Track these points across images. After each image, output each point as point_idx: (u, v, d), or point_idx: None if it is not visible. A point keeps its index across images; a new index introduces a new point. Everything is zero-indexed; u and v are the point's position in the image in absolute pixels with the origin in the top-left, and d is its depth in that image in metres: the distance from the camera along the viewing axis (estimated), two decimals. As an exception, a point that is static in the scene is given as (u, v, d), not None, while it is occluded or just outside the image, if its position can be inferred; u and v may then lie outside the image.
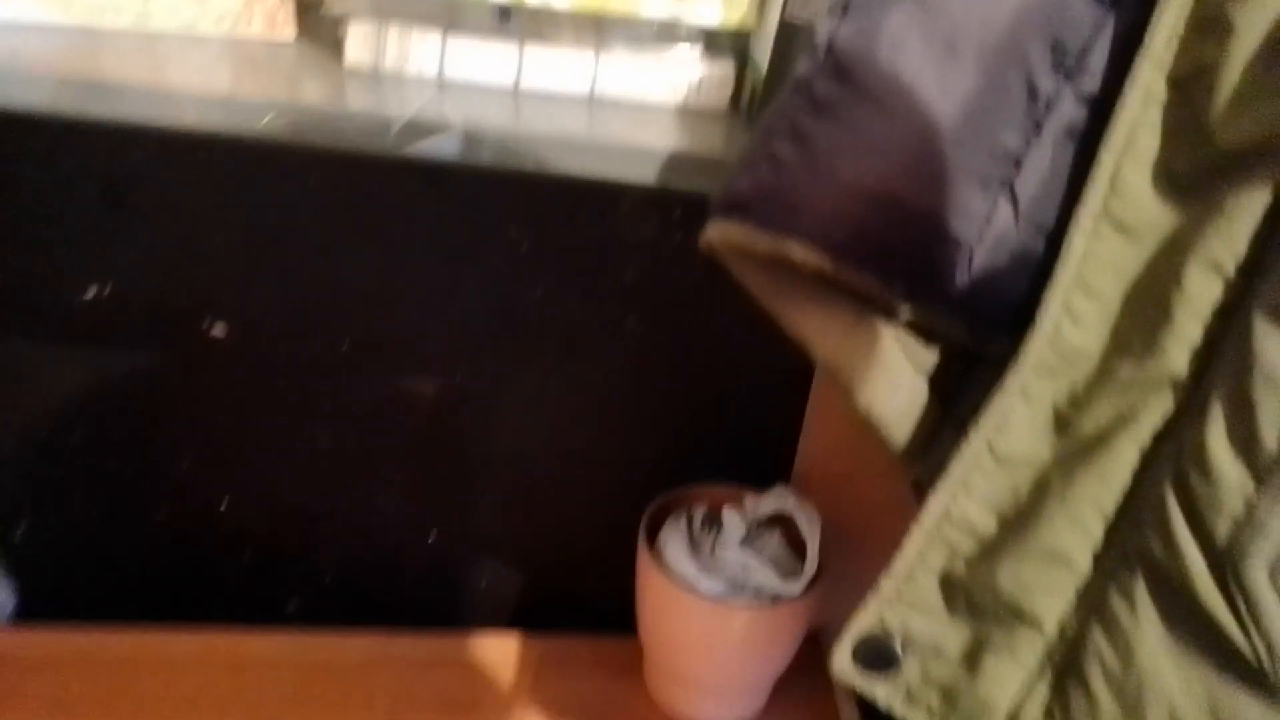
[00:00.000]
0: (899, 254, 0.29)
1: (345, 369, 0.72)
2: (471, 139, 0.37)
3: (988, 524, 0.31)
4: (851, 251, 0.29)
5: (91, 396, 0.72)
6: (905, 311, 0.31)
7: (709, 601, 0.66)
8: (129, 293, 0.68)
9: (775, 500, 0.72)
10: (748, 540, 0.71)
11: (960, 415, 0.33)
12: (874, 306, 0.32)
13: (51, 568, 0.78)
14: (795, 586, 0.68)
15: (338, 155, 0.63)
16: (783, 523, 0.73)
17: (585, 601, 0.84)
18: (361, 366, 0.72)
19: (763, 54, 0.39)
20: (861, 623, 0.34)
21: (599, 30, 0.40)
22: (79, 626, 0.74)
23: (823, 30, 0.29)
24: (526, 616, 0.85)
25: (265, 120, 0.36)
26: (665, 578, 0.67)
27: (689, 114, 0.41)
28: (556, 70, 0.40)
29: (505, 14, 0.39)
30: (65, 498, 0.76)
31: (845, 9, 0.29)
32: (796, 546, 0.72)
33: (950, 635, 0.32)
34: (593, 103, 0.40)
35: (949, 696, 0.32)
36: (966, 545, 0.31)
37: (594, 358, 0.73)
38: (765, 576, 0.68)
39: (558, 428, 0.76)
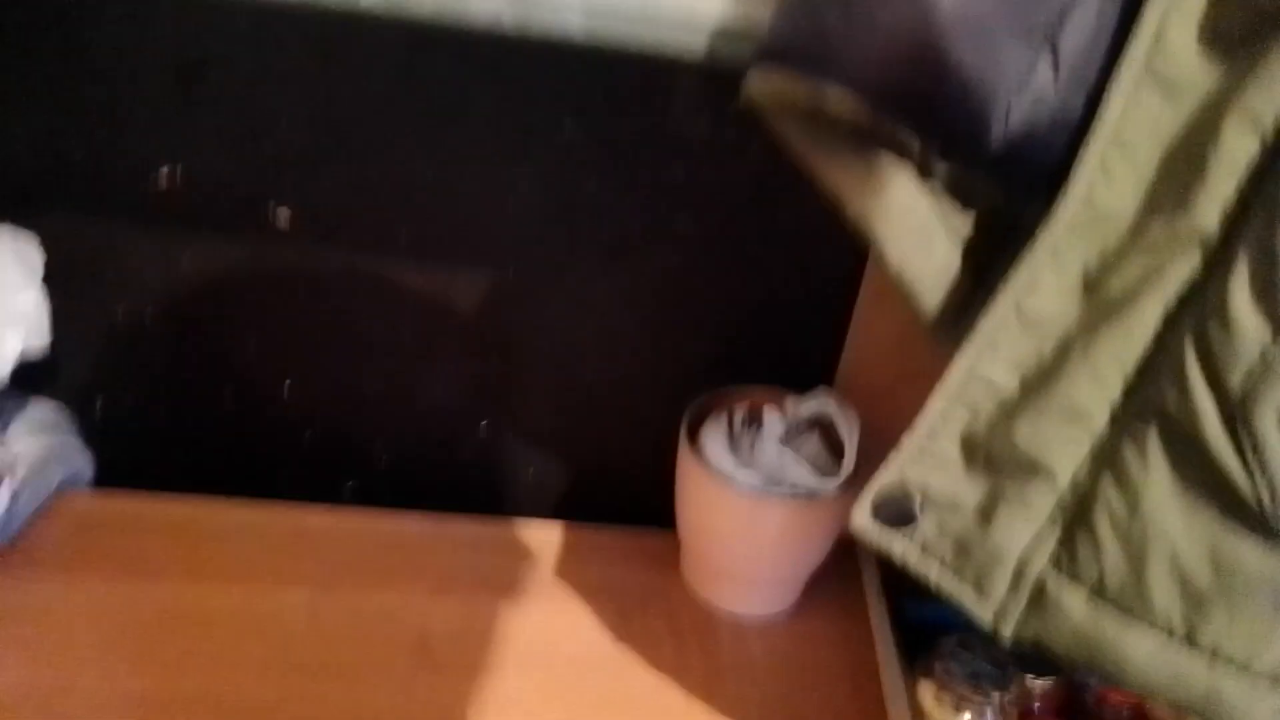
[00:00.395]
0: (936, 106, 0.29)
1: (402, 259, 0.75)
2: (529, 6, 0.38)
3: (1010, 383, 0.32)
4: (888, 100, 0.30)
5: (163, 278, 0.76)
6: (941, 170, 0.31)
7: (745, 494, 0.68)
8: (199, 177, 0.71)
9: (816, 402, 0.73)
10: (786, 439, 0.72)
11: (991, 281, 0.34)
12: (910, 164, 0.32)
13: (126, 441, 0.83)
14: (831, 484, 0.69)
15: (404, 33, 0.64)
16: (822, 426, 0.74)
17: (626, 496, 0.87)
18: (418, 257, 0.74)
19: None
20: (883, 480, 0.35)
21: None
22: (151, 494, 0.79)
23: None
24: (569, 508, 0.88)
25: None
26: (704, 471, 0.69)
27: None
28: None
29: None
30: (139, 375, 0.81)
31: None
32: (835, 450, 0.73)
33: (967, 490, 0.33)
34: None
35: (961, 548, 0.33)
36: (988, 404, 0.32)
37: (642, 256, 0.74)
38: (801, 473, 0.69)
39: (605, 325, 0.78)
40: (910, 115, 0.30)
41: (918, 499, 0.34)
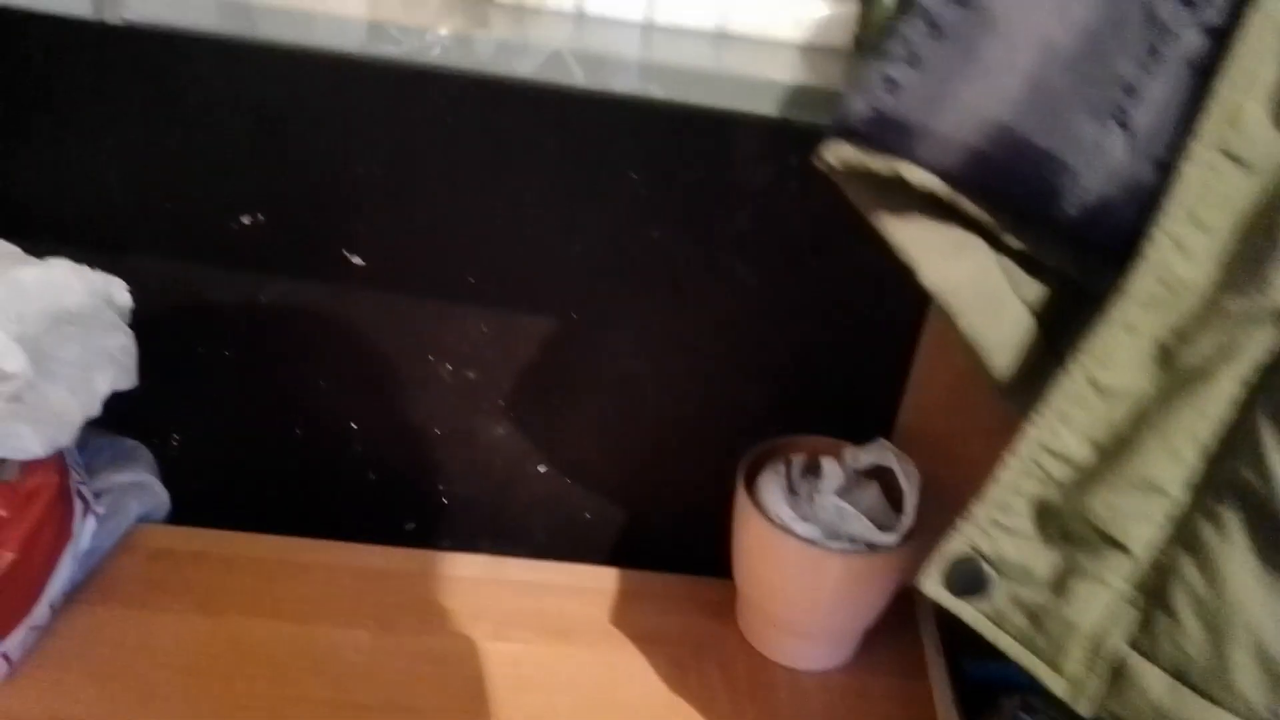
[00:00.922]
0: (1011, 181, 0.30)
1: (469, 299, 0.76)
2: (596, 66, 0.39)
3: (1084, 453, 0.32)
4: (965, 176, 0.30)
5: (240, 319, 0.79)
6: (1013, 240, 0.32)
7: (805, 545, 0.68)
8: (278, 221, 0.73)
9: (875, 453, 0.72)
10: (845, 490, 0.72)
11: (1062, 349, 0.34)
12: (983, 232, 0.32)
13: (200, 477, 0.86)
14: (891, 537, 0.69)
15: (475, 85, 0.66)
16: (881, 476, 0.73)
17: (683, 543, 0.87)
18: (483, 301, 0.76)
19: (888, -9, 0.39)
20: (954, 546, 0.35)
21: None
22: (225, 531, 0.81)
23: (946, -44, 0.30)
24: (626, 553, 0.88)
25: (423, 48, 0.39)
26: (762, 520, 0.69)
27: (812, 50, 0.42)
28: (685, 4, 0.41)
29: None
30: (213, 414, 0.84)
31: None
32: (894, 501, 0.72)
33: (1040, 561, 0.33)
34: (719, 37, 0.42)
35: (1035, 619, 0.33)
36: (1061, 473, 0.32)
37: (703, 302, 0.75)
38: (861, 526, 0.69)
39: (664, 370, 0.79)
40: (986, 190, 0.30)
41: (989, 568, 0.34)
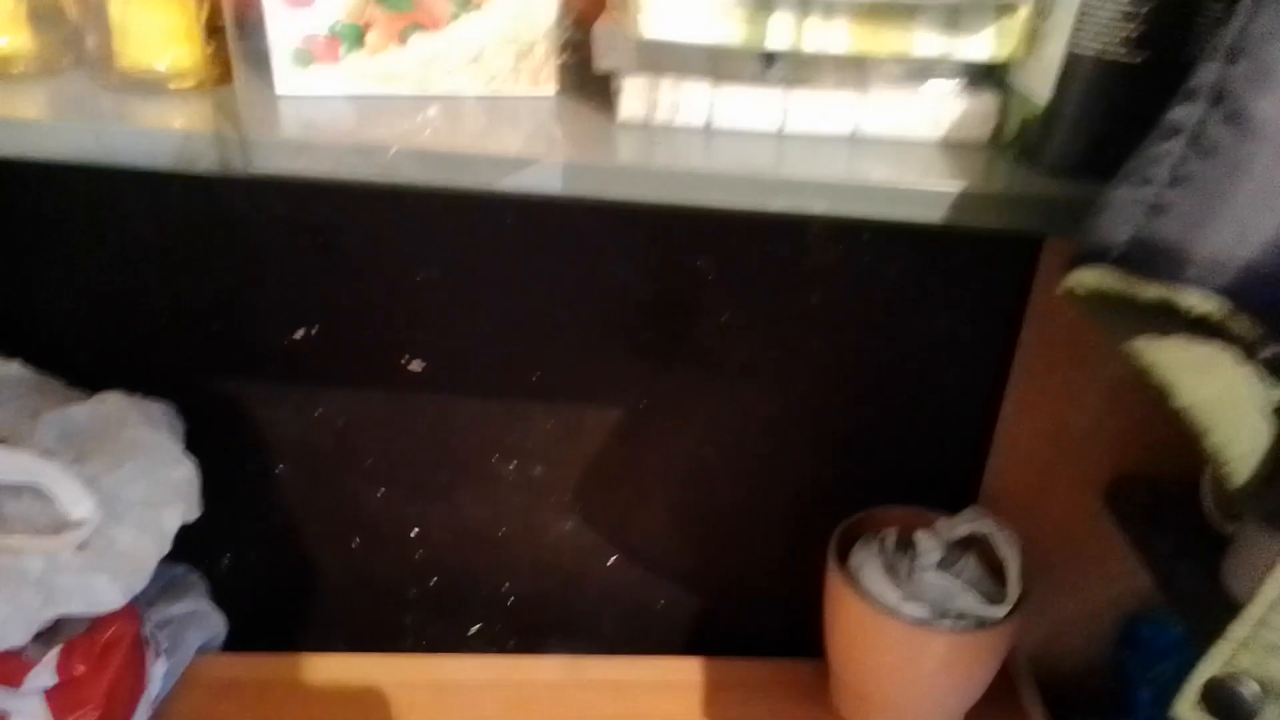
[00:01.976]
0: None
1: (533, 396, 0.74)
2: (747, 186, 0.37)
3: (1353, 566, 0.30)
4: (1239, 295, 0.29)
5: (293, 432, 0.75)
6: (1269, 350, 0.30)
7: (912, 626, 0.66)
8: (334, 330, 0.71)
9: (970, 521, 0.71)
10: (945, 563, 0.70)
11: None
12: (1232, 343, 0.31)
13: (256, 597, 0.82)
14: (999, 610, 0.67)
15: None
16: (974, 545, 0.72)
17: (763, 625, 0.84)
18: (548, 393, 0.74)
19: (1039, 86, 0.38)
20: (1210, 666, 0.33)
21: (860, 70, 0.40)
22: (286, 654, 0.77)
23: (1208, 73, 0.29)
24: (704, 639, 0.85)
25: (547, 178, 0.37)
26: (863, 601, 0.67)
27: (950, 148, 0.41)
28: (819, 113, 0.40)
29: (769, 60, 0.40)
30: (266, 531, 0.80)
31: (1234, 52, 0.28)
32: (992, 570, 0.71)
33: None
34: (854, 142, 0.41)
35: None
36: None
37: (776, 382, 0.73)
38: (969, 600, 0.67)
39: (738, 453, 0.77)
40: (1260, 307, 0.29)
41: (1254, 690, 0.32)
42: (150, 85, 0.40)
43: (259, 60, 0.41)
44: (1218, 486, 0.52)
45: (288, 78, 0.41)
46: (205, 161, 0.36)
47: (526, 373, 0.73)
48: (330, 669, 0.77)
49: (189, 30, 0.39)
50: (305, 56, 0.40)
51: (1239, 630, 0.32)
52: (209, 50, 0.40)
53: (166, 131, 0.38)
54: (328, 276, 0.69)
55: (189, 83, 0.40)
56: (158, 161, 0.37)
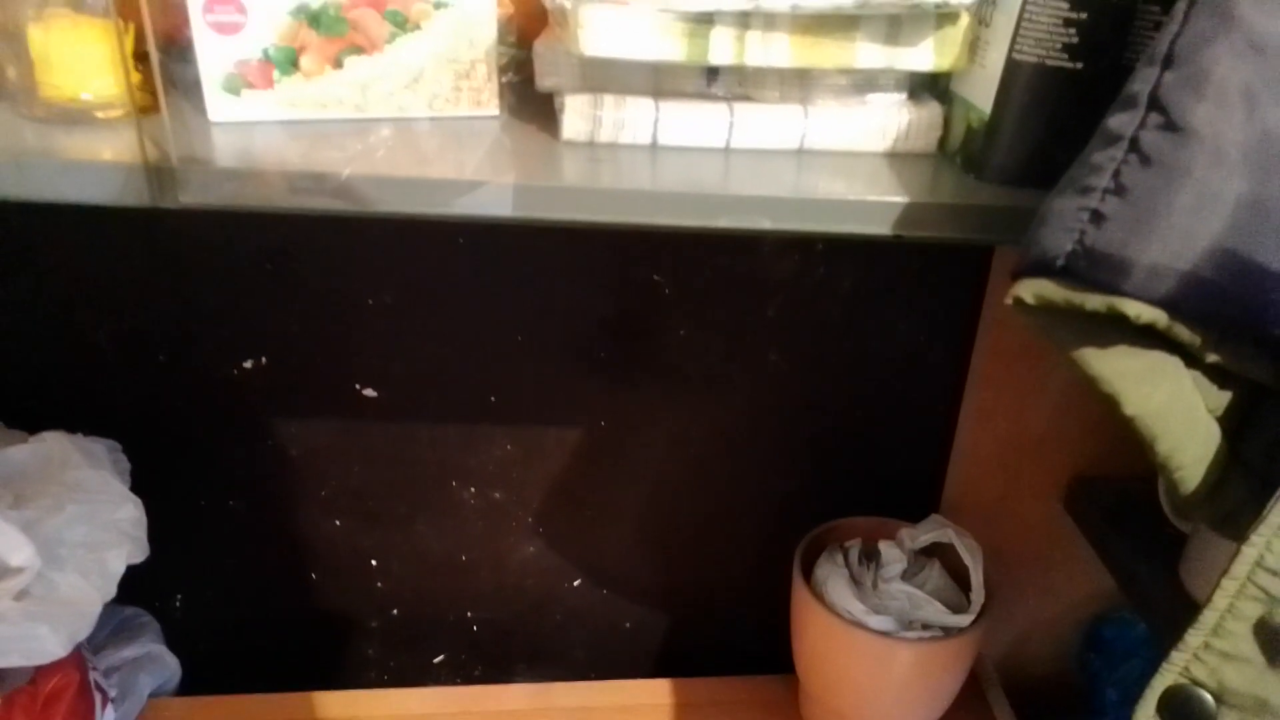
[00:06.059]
0: (1230, 303, 0.29)
1: (491, 420, 0.73)
2: (696, 204, 0.37)
3: (1310, 569, 0.30)
4: (1181, 303, 0.29)
5: (245, 466, 0.73)
6: (1214, 356, 0.30)
7: (878, 638, 0.65)
8: (284, 359, 0.69)
9: (932, 530, 0.71)
10: (908, 573, 0.70)
11: (1248, 456, 0.33)
12: (1181, 353, 0.31)
13: (210, 638, 0.80)
14: (964, 618, 0.67)
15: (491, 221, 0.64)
16: (937, 553, 0.72)
17: (731, 643, 0.84)
18: (506, 416, 0.73)
19: (982, 95, 0.39)
20: (1165, 676, 0.33)
21: (804, 84, 0.40)
22: (243, 696, 0.75)
23: (1143, 80, 0.29)
24: (673, 659, 0.84)
25: (495, 201, 0.36)
26: (829, 615, 0.66)
27: (896, 160, 0.41)
28: (765, 127, 0.40)
29: (712, 75, 0.40)
30: (219, 570, 0.78)
31: (1169, 59, 0.28)
32: (956, 578, 0.71)
33: (1275, 688, 0.31)
34: (801, 155, 0.40)
35: None
36: None
37: (737, 395, 0.73)
38: (933, 610, 0.67)
39: (701, 468, 0.76)
40: (1203, 315, 0.29)
41: (1211, 695, 0.32)
42: (76, 115, 0.39)
43: (191, 87, 0.40)
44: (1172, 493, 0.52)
45: (220, 104, 0.39)
46: (136, 194, 0.35)
47: (483, 396, 0.72)
48: (290, 708, 0.75)
49: (114, 58, 0.38)
50: (237, 82, 0.39)
51: (1193, 639, 0.32)
52: (137, 78, 0.39)
53: (94, 164, 0.36)
54: (276, 304, 0.68)
55: (117, 112, 0.39)
56: (85, 195, 0.36)
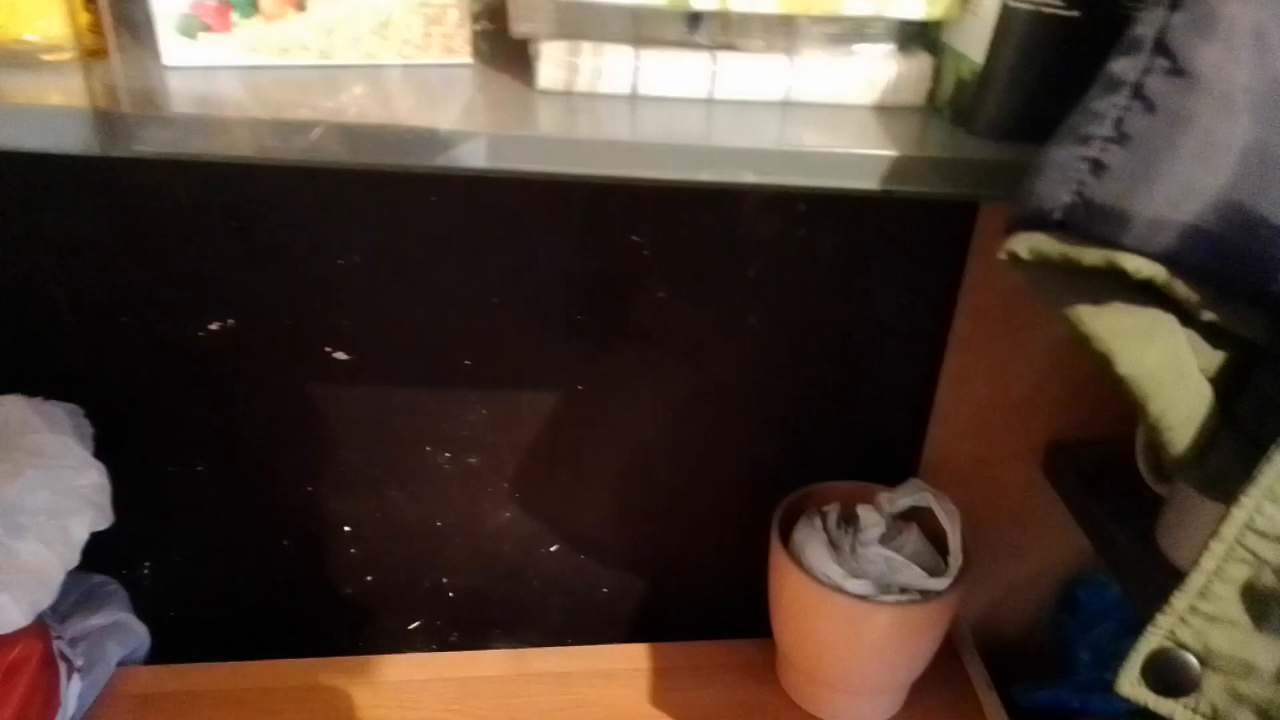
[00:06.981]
0: (1234, 258, 0.28)
1: (466, 383, 0.71)
2: (679, 156, 0.36)
3: (1301, 532, 0.30)
4: (1182, 258, 0.28)
5: (213, 430, 0.72)
6: (1210, 314, 0.30)
7: (856, 601, 0.65)
8: (253, 321, 0.67)
9: (911, 494, 0.70)
10: (886, 537, 0.69)
11: (1239, 417, 0.32)
12: (1171, 308, 0.30)
13: (181, 605, 0.78)
14: (942, 582, 0.66)
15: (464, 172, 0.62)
16: (916, 516, 0.72)
17: (709, 607, 0.83)
18: (481, 380, 0.72)
19: (974, 45, 0.37)
20: (1150, 640, 0.32)
21: (790, 32, 0.39)
22: (214, 663, 0.74)
23: (1148, 23, 0.28)
24: (650, 624, 0.84)
25: (471, 151, 0.35)
26: (808, 579, 0.66)
27: (884, 112, 0.39)
28: (749, 77, 0.38)
29: (694, 21, 0.38)
30: (189, 537, 0.76)
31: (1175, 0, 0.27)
32: (934, 541, 0.71)
33: (1262, 651, 0.31)
34: (786, 107, 0.39)
35: (1268, 717, 0.31)
36: (1276, 555, 0.30)
37: (716, 358, 0.72)
38: (912, 574, 0.67)
39: (680, 431, 0.75)
40: (1203, 270, 0.28)
41: (1196, 658, 0.32)
42: (21, 58, 0.37)
43: (144, 30, 0.38)
44: (1150, 449, 0.52)
45: (175, 48, 0.37)
46: (84, 142, 0.33)
47: (458, 359, 0.71)
48: (262, 676, 0.74)
49: (60, -4, 0.35)
50: (193, 24, 0.37)
51: (1179, 602, 0.31)
52: (85, 19, 0.36)
53: (39, 109, 0.34)
54: (243, 264, 0.65)
55: (64, 55, 0.37)
56: (30, 142, 0.34)
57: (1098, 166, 0.28)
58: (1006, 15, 0.35)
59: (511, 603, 0.82)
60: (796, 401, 0.75)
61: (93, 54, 0.37)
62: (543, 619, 0.83)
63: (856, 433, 0.77)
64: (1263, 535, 0.30)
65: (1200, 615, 0.31)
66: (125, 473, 0.64)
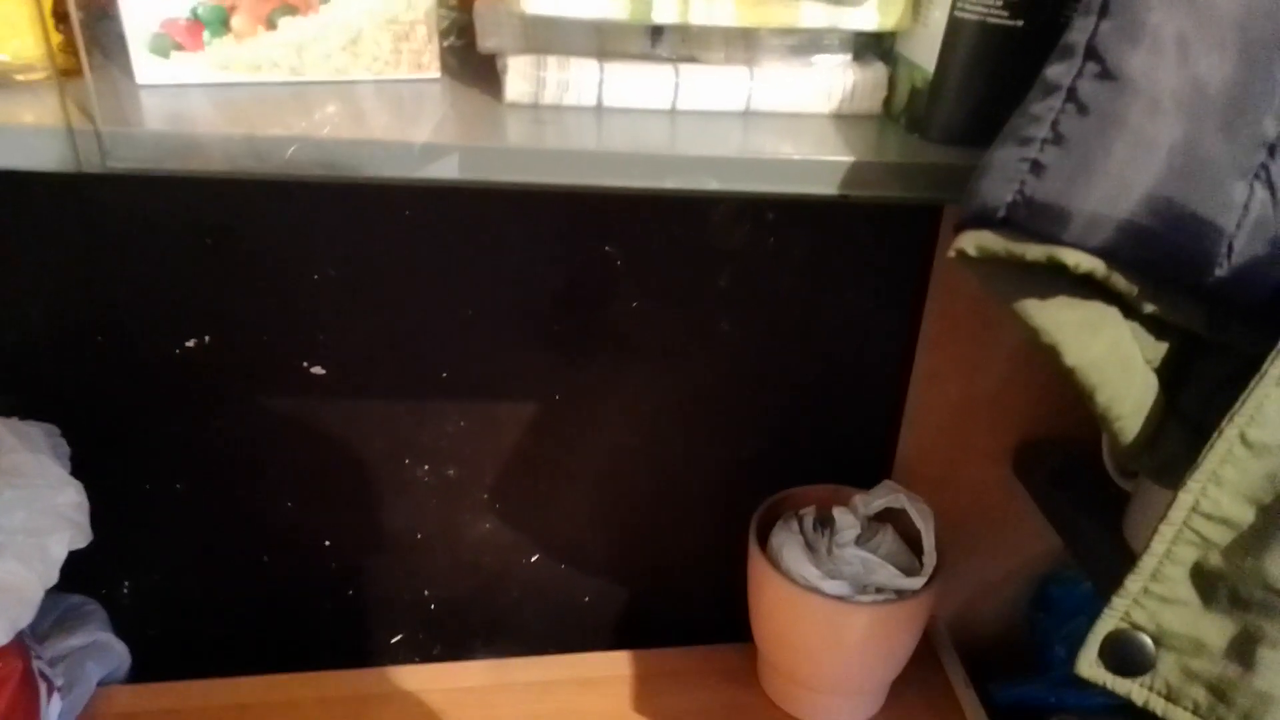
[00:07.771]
0: (1167, 251, 0.29)
1: (443, 395, 0.72)
2: (649, 165, 0.37)
3: (1244, 515, 0.31)
4: (1119, 252, 0.29)
5: (191, 448, 0.72)
6: (1151, 306, 0.31)
7: (834, 602, 0.66)
8: (229, 337, 0.68)
9: (885, 495, 0.72)
10: (862, 538, 0.70)
11: (1184, 406, 0.33)
12: (1119, 303, 0.32)
13: (160, 624, 0.78)
14: (917, 581, 0.68)
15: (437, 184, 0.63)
16: (891, 518, 0.73)
17: (690, 613, 0.84)
18: (458, 392, 0.72)
19: (925, 54, 0.39)
20: (1107, 622, 0.34)
21: (750, 44, 0.40)
22: (193, 680, 0.74)
23: (1080, 30, 0.29)
24: (632, 631, 0.85)
25: (442, 164, 0.36)
26: (786, 581, 0.67)
27: (842, 121, 0.41)
28: (711, 89, 0.39)
29: (656, 34, 0.39)
30: (167, 555, 0.76)
31: (1104, 8, 0.29)
32: (909, 541, 0.72)
33: (1212, 630, 0.32)
34: (747, 117, 0.40)
35: (1219, 692, 0.32)
36: (1221, 537, 0.31)
37: (691, 366, 0.73)
38: (887, 574, 0.68)
39: (656, 439, 0.76)
40: (1140, 263, 0.30)
41: (1151, 638, 0.33)
42: (-5, 79, 0.37)
43: (116, 49, 0.39)
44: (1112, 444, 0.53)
45: (147, 67, 0.38)
46: (60, 160, 0.34)
47: (434, 371, 0.71)
48: (244, 693, 0.74)
49: (33, 16, 0.36)
50: (165, 43, 0.38)
51: (1133, 584, 0.32)
52: (58, 39, 0.37)
53: (14, 128, 0.35)
54: (218, 280, 0.66)
55: (37, 75, 0.37)
56: (4, 160, 0.34)
57: (1037, 166, 0.30)
58: (954, 26, 0.37)
59: (492, 613, 0.83)
60: (771, 407, 0.76)
61: (66, 74, 0.37)
62: (524, 629, 0.84)
63: (830, 436, 0.78)
64: (1208, 517, 0.31)
65: (1153, 597, 0.32)
66: (103, 492, 0.64)
